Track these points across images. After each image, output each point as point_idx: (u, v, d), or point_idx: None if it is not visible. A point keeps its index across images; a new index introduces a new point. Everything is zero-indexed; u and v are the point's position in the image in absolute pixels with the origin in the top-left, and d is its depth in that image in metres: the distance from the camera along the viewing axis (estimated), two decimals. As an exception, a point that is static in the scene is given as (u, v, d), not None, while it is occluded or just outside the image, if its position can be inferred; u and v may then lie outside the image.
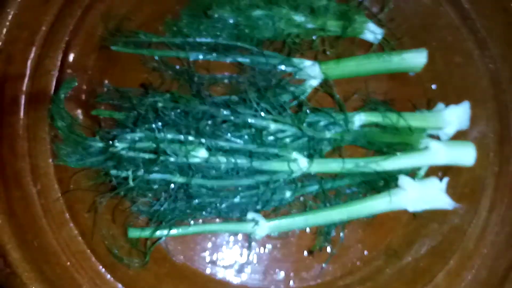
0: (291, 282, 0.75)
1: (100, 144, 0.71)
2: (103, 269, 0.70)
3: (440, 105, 0.76)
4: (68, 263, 0.68)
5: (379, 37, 0.78)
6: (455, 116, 0.74)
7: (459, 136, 0.76)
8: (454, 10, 0.80)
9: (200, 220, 0.74)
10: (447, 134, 0.75)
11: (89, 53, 0.77)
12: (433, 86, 0.80)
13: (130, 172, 0.65)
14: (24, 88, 0.72)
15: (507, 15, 0.75)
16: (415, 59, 0.77)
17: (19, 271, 0.64)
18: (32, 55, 0.72)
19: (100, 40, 0.78)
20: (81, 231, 0.71)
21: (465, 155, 0.73)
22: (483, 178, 0.75)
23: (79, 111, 0.75)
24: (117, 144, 0.66)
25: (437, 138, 0.76)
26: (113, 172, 0.68)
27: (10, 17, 0.69)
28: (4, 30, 0.68)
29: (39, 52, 0.73)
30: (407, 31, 0.81)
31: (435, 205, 0.72)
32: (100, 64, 0.78)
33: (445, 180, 0.72)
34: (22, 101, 0.71)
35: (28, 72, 0.72)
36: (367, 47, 0.79)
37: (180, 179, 0.67)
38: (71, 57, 0.76)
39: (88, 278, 0.69)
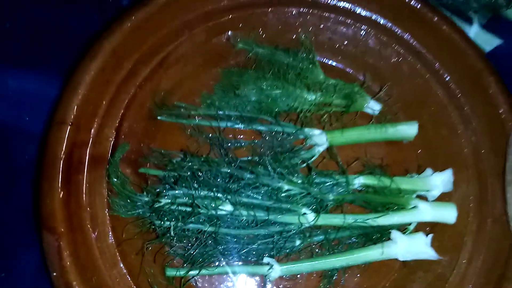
0: (300, 318, 0.80)
1: (147, 199, 0.78)
2: None
3: (429, 170, 0.84)
4: None
5: (378, 111, 0.88)
6: (440, 181, 0.81)
7: (444, 197, 0.82)
8: (442, 89, 0.88)
9: (224, 262, 0.79)
10: (433, 196, 0.82)
11: (139, 122, 0.84)
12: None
13: (171, 223, 0.74)
14: (88, 152, 0.79)
15: (486, 96, 0.84)
16: (408, 130, 0.85)
17: None
18: (95, 125, 0.80)
19: (149, 111, 0.85)
20: (129, 270, 0.77)
21: (448, 214, 0.79)
22: (463, 234, 0.80)
23: (129, 170, 0.83)
24: (160, 199, 0.76)
25: (424, 198, 0.83)
26: (157, 222, 0.76)
27: (80, 96, 0.78)
28: (76, 107, 0.77)
29: (100, 122, 0.80)
30: (402, 106, 0.90)
31: (422, 256, 0.78)
32: (147, 131, 0.85)
33: (430, 236, 0.78)
34: (86, 163, 0.78)
35: (91, 139, 0.79)
36: (368, 118, 0.88)
37: (209, 228, 0.75)
38: (125, 126, 0.83)
39: None
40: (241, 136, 0.88)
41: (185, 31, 0.89)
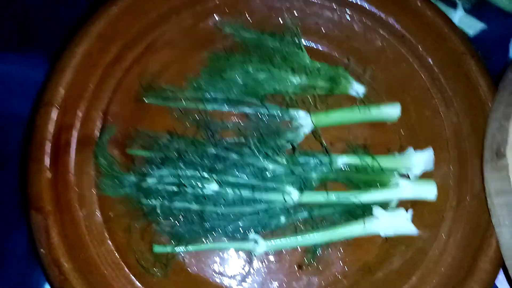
0: (284, 291, 0.82)
1: (134, 179, 0.80)
2: (133, 277, 0.77)
3: (410, 150, 0.85)
4: (106, 272, 0.76)
5: (362, 94, 0.89)
6: (420, 159, 0.83)
7: (425, 176, 0.84)
8: (425, 73, 0.89)
9: (211, 239, 0.81)
10: (415, 174, 0.84)
11: (127, 105, 0.85)
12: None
13: (157, 202, 0.76)
14: (75, 134, 0.80)
15: (467, 79, 0.85)
16: (391, 111, 0.87)
17: (70, 277, 0.72)
18: (82, 108, 0.81)
19: (136, 94, 0.86)
20: (116, 247, 0.78)
21: (428, 191, 0.81)
22: (443, 210, 0.82)
23: (116, 151, 0.83)
24: (147, 179, 0.77)
25: (407, 177, 0.84)
26: (144, 201, 0.77)
27: (67, 80, 0.79)
28: (62, 90, 0.79)
29: (87, 105, 0.82)
30: (386, 89, 0.90)
31: (402, 231, 0.80)
32: (135, 113, 0.86)
33: (410, 211, 0.81)
34: (73, 145, 0.80)
35: (78, 121, 0.81)
36: (352, 100, 0.89)
37: (196, 207, 0.77)
38: (112, 109, 0.84)
39: (122, 284, 0.77)
40: (228, 119, 0.89)
41: (172, 15, 0.90)
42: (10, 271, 0.88)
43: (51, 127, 0.79)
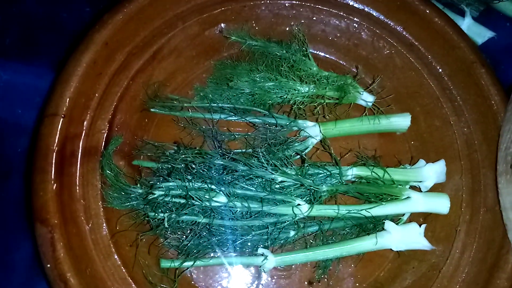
0: (294, 308, 0.80)
1: (140, 191, 0.78)
2: None
3: (421, 162, 0.84)
4: (113, 287, 0.75)
5: (371, 103, 0.87)
6: (433, 171, 0.82)
7: (437, 187, 0.83)
8: (435, 81, 0.88)
9: (219, 253, 0.79)
10: (426, 187, 0.82)
11: (132, 115, 0.84)
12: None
13: (165, 215, 0.73)
14: (80, 144, 0.79)
15: (478, 88, 0.84)
16: (401, 121, 0.86)
17: None
18: (87, 117, 0.80)
19: (141, 103, 0.85)
20: (123, 262, 0.77)
21: (441, 204, 0.80)
22: (456, 224, 0.81)
23: (122, 162, 0.83)
24: (154, 191, 0.74)
25: (418, 189, 0.83)
26: (151, 214, 0.75)
27: (72, 88, 0.78)
28: (68, 99, 0.77)
29: (93, 114, 0.80)
30: (395, 98, 0.90)
31: (415, 246, 0.79)
32: (140, 123, 0.86)
33: (423, 226, 0.79)
34: (79, 155, 0.78)
35: (83, 131, 0.79)
36: (361, 109, 0.88)
37: (204, 220, 0.75)
38: (118, 118, 0.83)
39: None
40: (235, 129, 0.89)
41: (177, 23, 0.89)
42: (14, 284, 0.86)
43: (56, 137, 0.77)
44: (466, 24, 1.05)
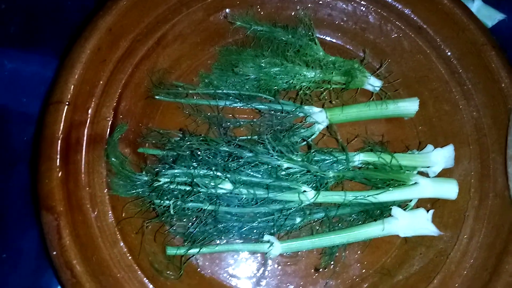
0: (300, 295, 0.81)
1: (146, 178, 0.78)
2: (146, 280, 0.76)
3: (429, 147, 0.84)
4: (119, 275, 0.75)
5: (378, 87, 0.86)
6: (441, 157, 0.81)
7: (445, 173, 0.82)
8: (444, 65, 0.87)
9: (225, 241, 0.80)
10: (435, 172, 0.81)
11: (137, 102, 0.84)
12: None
13: (171, 202, 0.74)
14: (85, 132, 0.78)
15: (487, 71, 0.83)
16: (409, 106, 0.85)
17: (82, 280, 0.71)
18: (92, 105, 0.79)
19: (146, 91, 0.85)
20: (129, 249, 0.77)
21: (449, 190, 0.79)
22: (464, 210, 0.80)
23: (128, 150, 0.82)
24: (160, 178, 0.75)
25: (426, 175, 0.82)
26: (157, 201, 0.75)
27: (76, 76, 0.77)
28: (72, 87, 0.77)
29: (98, 102, 0.80)
30: (403, 82, 0.89)
31: (423, 232, 0.78)
32: (145, 110, 0.85)
33: (431, 211, 0.78)
34: (84, 143, 0.78)
35: (88, 119, 0.79)
36: (368, 95, 0.87)
37: (209, 207, 0.75)
38: (122, 105, 0.82)
39: (135, 287, 0.76)
40: (240, 115, 0.88)
41: (182, 9, 0.88)
42: (22, 272, 0.87)
43: (61, 125, 0.77)
44: (476, 6, 1.03)
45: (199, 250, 0.77)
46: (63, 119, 0.77)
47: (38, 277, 0.86)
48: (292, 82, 0.85)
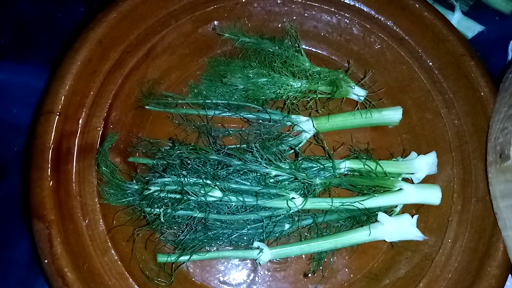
0: (290, 300, 0.81)
1: (136, 187, 0.79)
2: (138, 287, 0.76)
3: (413, 154, 0.85)
4: (110, 282, 0.75)
5: (363, 97, 0.88)
6: (424, 163, 0.83)
7: (429, 179, 0.84)
8: (425, 75, 0.89)
9: (215, 248, 0.80)
10: (418, 178, 0.83)
11: (127, 112, 0.85)
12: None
13: (161, 210, 0.74)
14: (76, 142, 0.79)
15: (467, 80, 0.86)
16: (393, 115, 0.87)
17: None
18: (82, 115, 0.80)
19: (136, 101, 0.86)
20: (120, 257, 0.77)
21: (433, 196, 0.81)
22: (448, 215, 0.82)
23: (118, 159, 0.83)
24: (150, 187, 0.75)
25: (410, 181, 0.84)
26: (147, 209, 0.76)
27: (67, 87, 0.78)
28: (63, 97, 0.78)
29: (88, 112, 0.81)
30: (387, 92, 0.91)
31: (408, 237, 0.80)
32: (135, 120, 0.86)
33: (416, 217, 0.80)
34: (75, 152, 0.79)
35: (79, 129, 0.80)
36: (353, 104, 0.89)
37: (199, 215, 0.76)
38: (113, 116, 0.83)
39: None
40: (229, 125, 0.90)
41: (171, 21, 0.90)
42: (13, 280, 0.87)
43: (52, 135, 0.78)
44: (456, 18, 1.06)
45: (190, 257, 0.78)
46: (54, 129, 0.78)
47: (30, 285, 0.87)
48: (279, 92, 0.87)
